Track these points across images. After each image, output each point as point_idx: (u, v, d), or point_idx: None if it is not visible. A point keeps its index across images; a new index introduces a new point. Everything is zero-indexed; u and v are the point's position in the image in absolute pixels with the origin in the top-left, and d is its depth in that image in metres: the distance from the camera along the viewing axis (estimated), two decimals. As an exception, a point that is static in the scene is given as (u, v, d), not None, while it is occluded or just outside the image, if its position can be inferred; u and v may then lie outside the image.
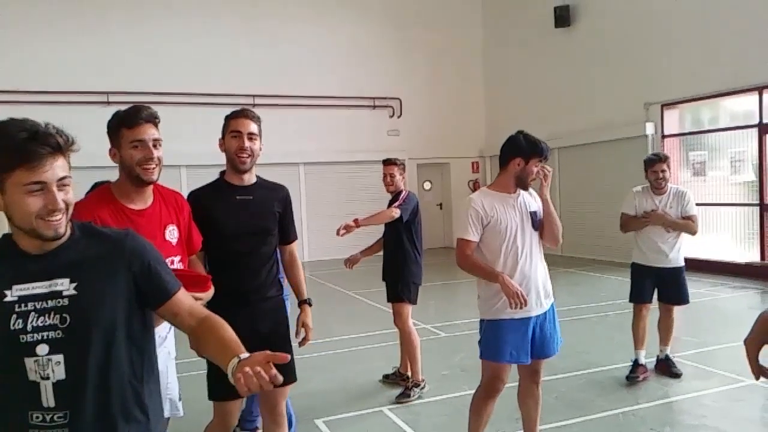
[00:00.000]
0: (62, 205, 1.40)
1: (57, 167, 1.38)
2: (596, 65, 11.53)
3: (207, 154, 9.39)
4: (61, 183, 1.40)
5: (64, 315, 1.40)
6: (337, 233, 4.27)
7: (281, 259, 2.89)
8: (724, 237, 9.62)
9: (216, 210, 2.63)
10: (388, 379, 4.82)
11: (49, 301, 1.40)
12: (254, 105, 11.69)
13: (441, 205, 14.93)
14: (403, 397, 4.41)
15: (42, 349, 1.38)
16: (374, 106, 13.98)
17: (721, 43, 9.17)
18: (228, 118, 2.66)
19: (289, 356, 1.42)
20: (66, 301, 1.40)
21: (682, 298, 4.77)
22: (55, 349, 1.38)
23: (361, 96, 13.77)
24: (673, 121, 10.39)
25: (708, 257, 9.45)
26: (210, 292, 2.27)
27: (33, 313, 1.38)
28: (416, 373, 4.52)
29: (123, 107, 2.30)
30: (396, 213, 4.45)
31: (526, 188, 3.11)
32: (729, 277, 8.86)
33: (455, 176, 14.93)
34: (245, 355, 1.43)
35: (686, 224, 4.64)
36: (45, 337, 1.38)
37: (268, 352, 1.41)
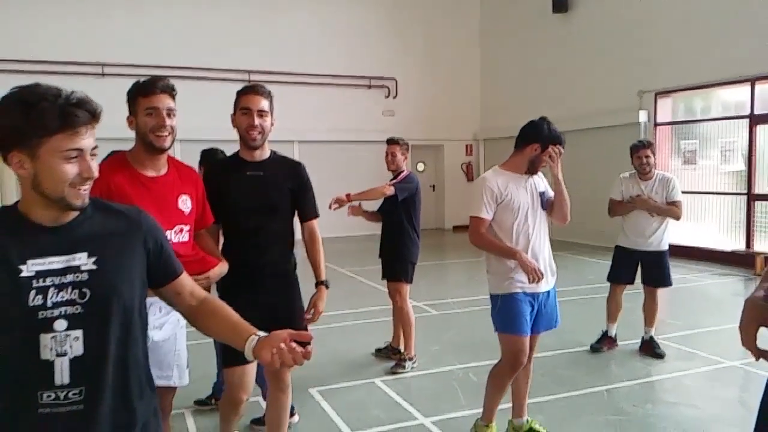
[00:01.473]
0: (96, 174, 1.38)
1: (91, 135, 1.37)
2: (592, 51, 11.57)
3: (202, 128, 9.46)
4: (93, 152, 1.38)
5: (84, 290, 1.37)
6: (329, 207, 4.30)
7: (302, 237, 2.85)
8: (711, 225, 9.79)
9: (227, 185, 2.64)
10: (380, 353, 4.94)
11: (68, 276, 1.36)
12: (249, 81, 11.66)
13: (434, 186, 15.01)
14: (398, 368, 4.53)
15: (60, 324, 1.34)
16: (370, 86, 13.96)
17: (716, 34, 9.25)
18: (239, 94, 2.65)
19: (311, 335, 1.47)
20: (85, 276, 1.37)
21: (664, 281, 4.94)
22: (74, 324, 1.35)
23: (357, 75, 13.74)
24: (665, 109, 10.49)
25: (695, 244, 9.64)
26: (220, 268, 2.34)
27: (52, 288, 1.34)
28: (410, 348, 4.64)
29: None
30: (389, 190, 4.50)
31: (535, 173, 3.19)
32: (714, 264, 9.05)
33: (449, 158, 14.98)
34: (263, 333, 1.46)
35: (670, 209, 4.79)
36: (63, 313, 1.35)
37: (291, 330, 1.45)
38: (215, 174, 2.71)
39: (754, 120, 9.02)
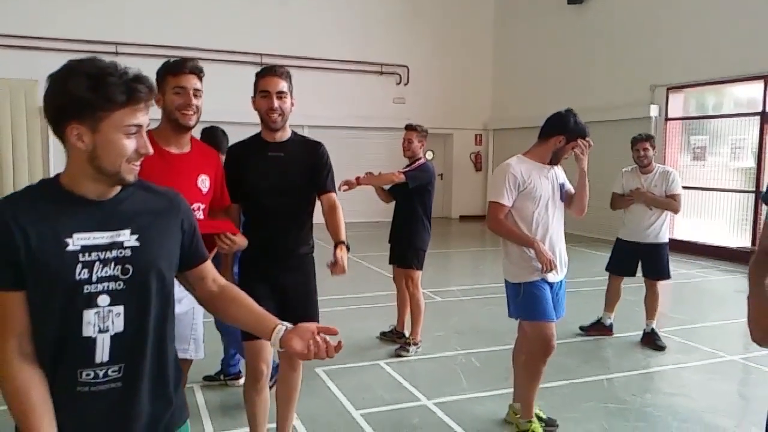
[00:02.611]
0: (152, 150, 1.40)
1: (147, 112, 1.38)
2: (606, 45, 11.53)
3: (214, 111, 9.49)
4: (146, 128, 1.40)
5: (127, 266, 1.37)
6: (338, 189, 4.33)
7: (322, 212, 2.80)
8: (718, 222, 9.80)
9: (248, 165, 2.67)
10: (385, 337, 5.02)
11: (112, 251, 1.36)
12: (261, 64, 11.69)
13: (441, 175, 15.02)
14: (402, 351, 4.62)
15: (103, 300, 1.35)
16: (381, 73, 13.96)
17: (730, 30, 9.20)
18: (257, 77, 2.66)
19: (337, 329, 1.53)
20: (128, 252, 1.37)
21: (662, 273, 5.02)
22: (116, 300, 1.36)
23: (368, 61, 13.74)
24: (677, 104, 10.46)
25: (701, 240, 9.66)
26: (242, 239, 2.42)
27: (98, 263, 1.34)
28: (416, 333, 4.72)
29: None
30: (399, 177, 4.53)
31: (557, 164, 3.22)
32: (719, 261, 9.07)
33: (457, 148, 14.99)
34: (289, 324, 1.51)
35: (668, 202, 4.87)
36: (106, 288, 1.35)
37: (319, 324, 1.52)
38: (237, 155, 2.74)
39: (766, 118, 9.00)
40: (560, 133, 3.13)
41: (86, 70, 1.30)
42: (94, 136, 1.32)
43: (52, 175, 1.43)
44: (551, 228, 3.14)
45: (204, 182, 2.43)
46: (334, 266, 2.51)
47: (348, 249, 2.64)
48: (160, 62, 2.45)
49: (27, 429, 1.28)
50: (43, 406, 1.30)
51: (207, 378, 4.02)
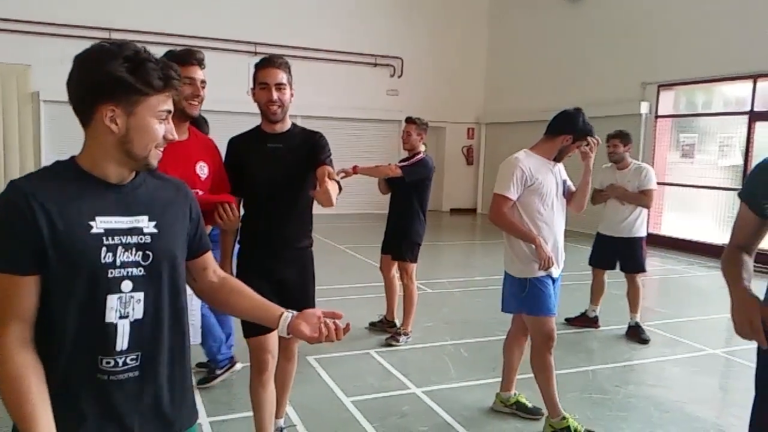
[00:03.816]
0: (177, 137, 1.42)
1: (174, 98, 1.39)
2: (600, 41, 11.61)
3: (208, 100, 9.49)
4: None
5: (147, 252, 1.36)
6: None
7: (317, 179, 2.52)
8: (705, 218, 9.93)
9: (247, 157, 2.66)
10: (375, 326, 5.09)
11: (133, 237, 1.35)
12: (256, 53, 11.68)
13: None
14: (392, 340, 4.70)
15: (126, 285, 1.33)
16: (375, 64, 13.97)
17: (721, 30, 9.30)
18: (256, 68, 2.64)
19: (342, 313, 1.56)
20: (148, 239, 1.36)
21: (637, 267, 5.16)
22: (137, 286, 1.34)
23: (363, 53, 13.74)
24: (667, 102, 10.57)
25: (687, 237, 9.79)
26: (237, 217, 2.45)
27: (120, 247, 1.32)
28: (407, 324, 4.80)
29: None
30: (396, 171, 4.57)
31: (560, 161, 3.28)
32: (705, 257, 9.19)
33: (450, 141, 15.05)
34: (294, 312, 1.54)
35: (638, 197, 5.01)
36: (129, 274, 1.33)
37: (324, 309, 1.56)
38: (236, 147, 2.74)
39: (754, 117, 9.12)
40: (568, 132, 3.18)
41: (123, 53, 1.29)
42: (128, 119, 1.31)
43: (43, 161, 1.42)
44: (555, 223, 3.20)
45: (203, 169, 2.47)
46: (318, 191, 2.26)
47: (340, 188, 2.42)
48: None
49: (20, 417, 1.22)
50: (37, 393, 1.24)
51: (200, 365, 4.07)
